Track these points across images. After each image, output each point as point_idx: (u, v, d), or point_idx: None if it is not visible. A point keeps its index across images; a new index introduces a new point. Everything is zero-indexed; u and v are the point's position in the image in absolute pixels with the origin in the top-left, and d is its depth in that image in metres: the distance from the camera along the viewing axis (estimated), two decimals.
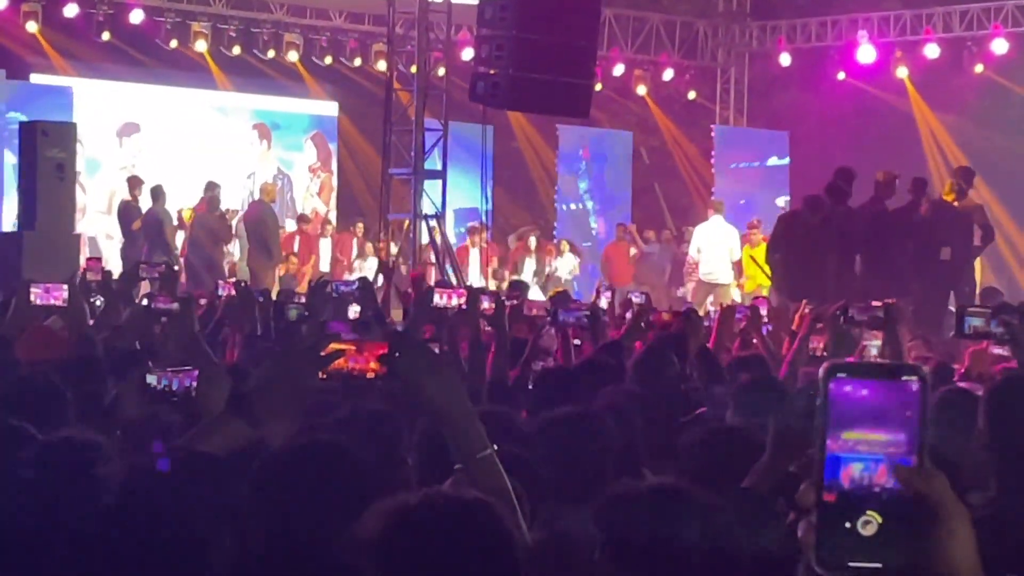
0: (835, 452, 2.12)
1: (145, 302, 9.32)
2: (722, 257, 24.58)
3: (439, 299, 9.62)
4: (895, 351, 7.81)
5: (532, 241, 26.43)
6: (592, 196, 29.19)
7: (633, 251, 26.86)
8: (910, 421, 2.12)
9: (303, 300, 11.88)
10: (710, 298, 23.90)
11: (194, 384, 5.61)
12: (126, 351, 7.62)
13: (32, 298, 9.05)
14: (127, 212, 22.39)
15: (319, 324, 9.55)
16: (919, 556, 2.05)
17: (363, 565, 3.01)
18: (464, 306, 9.31)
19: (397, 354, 3.71)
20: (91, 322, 9.43)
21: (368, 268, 24.60)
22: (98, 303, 10.69)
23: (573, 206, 29.07)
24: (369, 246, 25.28)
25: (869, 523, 2.07)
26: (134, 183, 22.75)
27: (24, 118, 21.58)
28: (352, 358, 5.13)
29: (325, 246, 26.25)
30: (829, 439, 2.11)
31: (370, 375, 5.08)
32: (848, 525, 2.07)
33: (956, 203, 17.26)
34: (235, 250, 25.20)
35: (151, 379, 5.68)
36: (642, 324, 9.27)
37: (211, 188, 23.32)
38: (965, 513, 2.06)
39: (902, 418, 2.12)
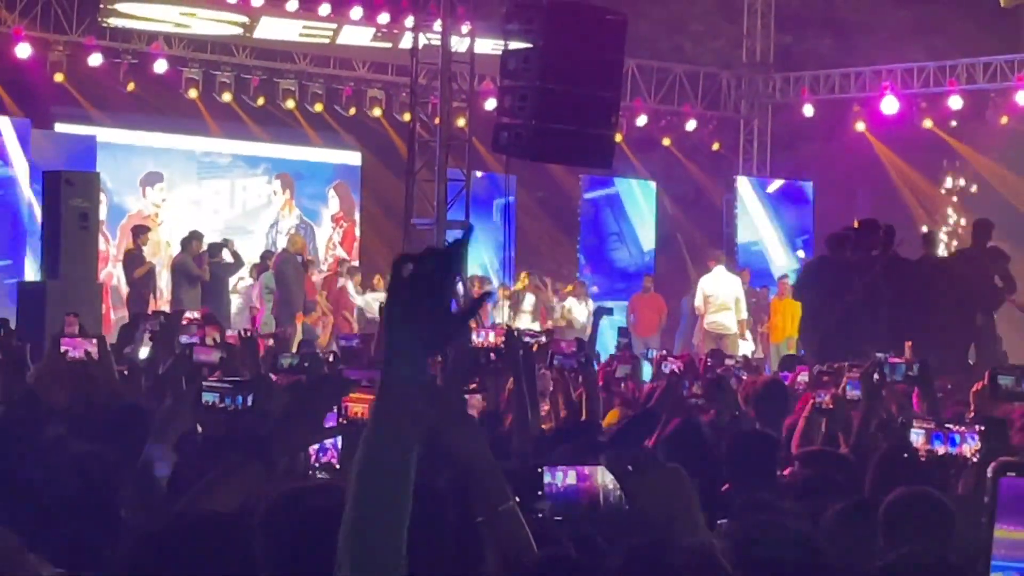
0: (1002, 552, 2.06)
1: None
2: (728, 307, 24.68)
3: (477, 337, 9.53)
4: (931, 407, 7.74)
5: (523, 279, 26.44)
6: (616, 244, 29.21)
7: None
8: None
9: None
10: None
11: (248, 403, 5.62)
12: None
13: (62, 350, 9.07)
14: (130, 261, 22.39)
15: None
16: None
17: None
18: (502, 345, 9.19)
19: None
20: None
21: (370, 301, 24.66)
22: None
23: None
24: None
25: None
26: (137, 232, 22.73)
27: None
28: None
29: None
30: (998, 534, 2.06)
31: None
32: None
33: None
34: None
35: (209, 396, 5.67)
36: (678, 393, 9.13)
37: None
38: None
39: None
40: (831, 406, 8.11)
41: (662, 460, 6.59)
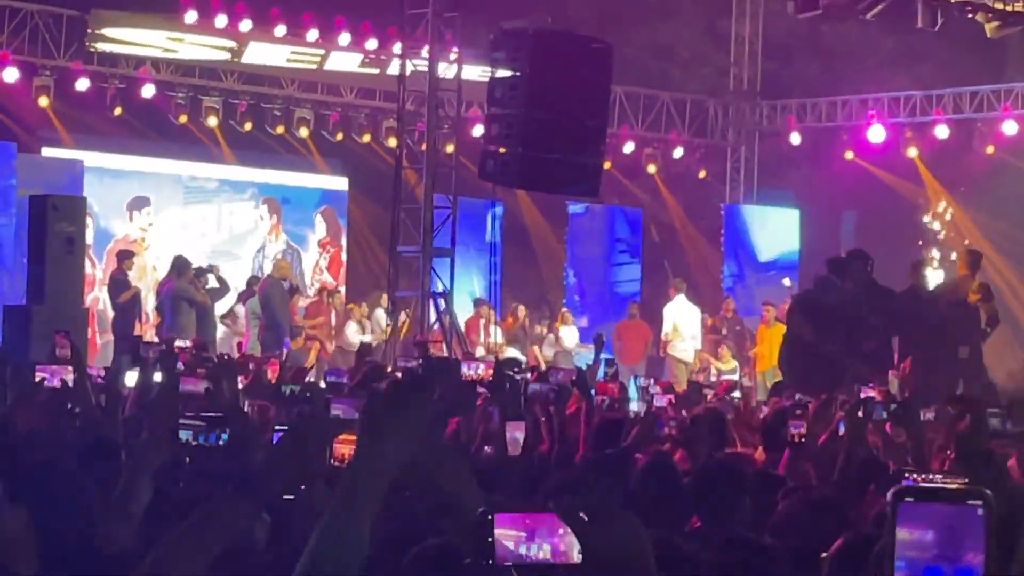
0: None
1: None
2: (693, 336, 24.97)
3: (467, 370, 9.52)
4: (917, 446, 7.73)
5: (520, 311, 26.45)
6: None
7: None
8: (976, 544, 2.15)
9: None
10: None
11: (222, 441, 5.61)
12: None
13: (37, 378, 8.99)
14: (115, 285, 22.38)
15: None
16: None
17: None
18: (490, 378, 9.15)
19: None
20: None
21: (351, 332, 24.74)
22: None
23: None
24: (356, 310, 25.44)
25: None
26: (122, 256, 22.73)
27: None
28: None
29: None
30: (898, 560, 2.17)
31: None
32: None
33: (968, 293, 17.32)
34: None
35: (183, 434, 5.66)
36: (654, 431, 9.10)
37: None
38: None
39: (968, 541, 2.16)
40: (802, 440, 8.11)
41: (619, 504, 6.58)
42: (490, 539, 2.98)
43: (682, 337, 24.98)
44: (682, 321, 25.08)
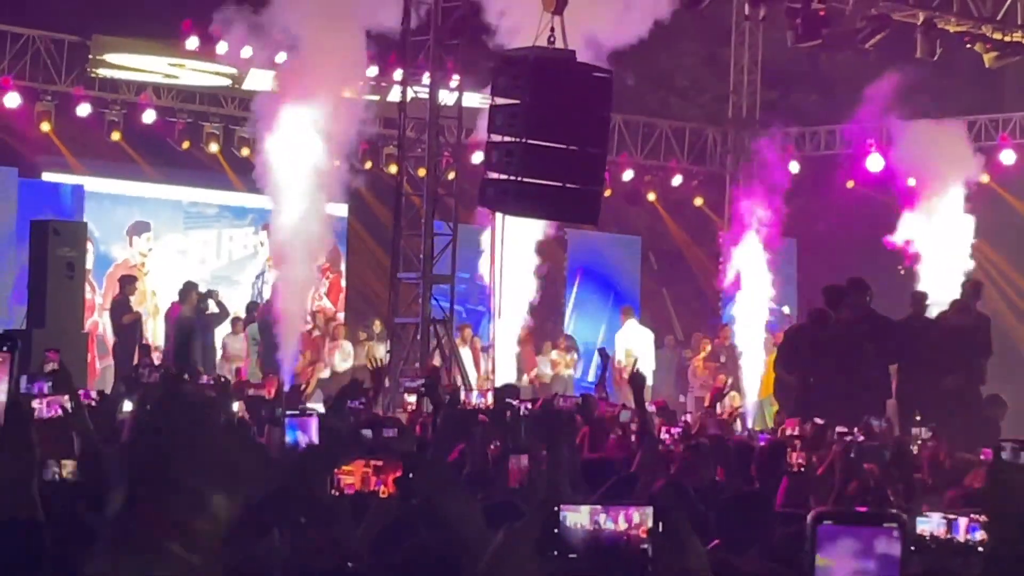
0: None
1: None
2: (648, 360, 25.25)
3: (474, 399, 9.50)
4: (908, 488, 7.77)
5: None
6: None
7: None
8: (892, 565, 2.24)
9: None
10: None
11: None
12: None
13: (32, 407, 8.91)
14: (117, 308, 22.43)
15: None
16: None
17: None
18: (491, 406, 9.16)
19: (411, 475, 3.68)
20: None
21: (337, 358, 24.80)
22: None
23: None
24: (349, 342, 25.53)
25: None
26: (124, 282, 22.80)
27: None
28: (367, 479, 5.09)
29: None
30: None
31: (383, 495, 5.03)
32: None
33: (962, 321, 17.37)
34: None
35: None
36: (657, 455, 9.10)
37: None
38: None
39: (884, 562, 2.25)
40: (802, 469, 8.16)
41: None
42: (556, 530, 3.02)
43: (632, 362, 25.18)
44: (635, 345, 25.28)
